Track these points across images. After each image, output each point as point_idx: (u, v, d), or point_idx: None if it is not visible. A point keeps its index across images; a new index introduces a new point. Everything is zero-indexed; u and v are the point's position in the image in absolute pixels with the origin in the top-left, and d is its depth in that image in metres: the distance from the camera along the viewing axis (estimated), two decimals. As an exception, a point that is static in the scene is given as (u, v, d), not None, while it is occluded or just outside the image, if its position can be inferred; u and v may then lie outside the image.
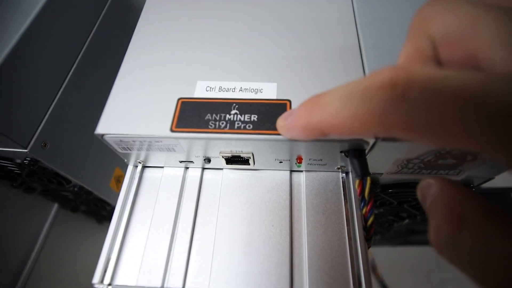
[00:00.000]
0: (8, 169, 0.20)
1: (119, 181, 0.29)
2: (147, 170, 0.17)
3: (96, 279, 0.14)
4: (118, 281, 0.14)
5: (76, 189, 0.23)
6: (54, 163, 0.20)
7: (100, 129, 0.14)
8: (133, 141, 0.14)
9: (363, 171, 0.13)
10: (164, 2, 0.19)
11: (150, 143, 0.14)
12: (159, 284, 0.14)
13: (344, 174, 0.16)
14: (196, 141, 0.14)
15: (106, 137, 0.14)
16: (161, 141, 0.14)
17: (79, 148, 0.23)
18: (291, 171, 0.16)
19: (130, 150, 0.15)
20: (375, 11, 0.17)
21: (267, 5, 0.18)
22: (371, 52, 0.15)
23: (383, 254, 0.37)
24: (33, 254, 0.28)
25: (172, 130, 0.13)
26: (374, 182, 0.18)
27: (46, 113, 0.19)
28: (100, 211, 0.32)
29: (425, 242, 0.37)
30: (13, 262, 0.26)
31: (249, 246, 0.14)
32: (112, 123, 0.14)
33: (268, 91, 0.14)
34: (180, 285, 0.14)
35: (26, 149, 0.18)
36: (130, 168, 0.17)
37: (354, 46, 0.16)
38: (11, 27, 0.18)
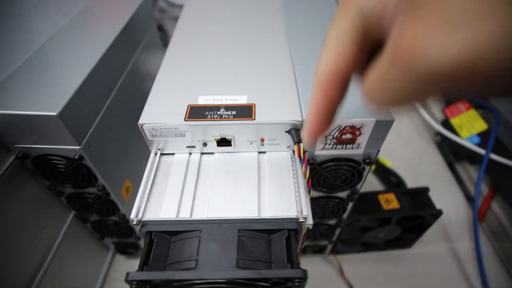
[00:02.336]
0: (55, 166, 0.28)
1: (128, 191, 0.36)
2: (163, 156, 0.25)
3: (132, 215, 0.21)
4: (146, 216, 0.21)
5: (99, 188, 0.31)
6: (93, 162, 0.28)
7: (141, 120, 0.23)
8: (161, 128, 0.23)
9: (298, 138, 0.23)
10: (183, 39, 0.30)
11: (170, 130, 0.23)
12: (174, 216, 0.21)
13: (291, 151, 0.25)
14: (198, 127, 0.23)
15: (144, 126, 0.23)
16: (178, 128, 0.23)
17: (109, 154, 0.31)
18: (259, 152, 0.26)
19: (156, 137, 0.24)
20: (302, 36, 0.29)
21: (239, 44, 0.30)
22: (299, 63, 0.27)
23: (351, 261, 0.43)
24: (48, 258, 0.33)
25: (185, 120, 0.23)
26: (309, 161, 0.27)
27: (94, 122, 0.28)
28: (107, 223, 0.38)
29: (380, 247, 0.44)
30: (31, 265, 0.31)
31: (234, 190, 0.22)
32: (149, 117, 0.23)
33: (242, 100, 0.24)
34: (188, 215, 0.21)
35: (80, 146, 0.26)
36: (152, 155, 0.25)
37: (289, 63, 0.27)
38: (89, 58, 0.28)
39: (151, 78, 0.27)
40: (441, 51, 0.08)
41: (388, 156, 0.57)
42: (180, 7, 0.70)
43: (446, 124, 0.58)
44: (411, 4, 0.09)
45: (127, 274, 0.19)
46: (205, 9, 0.37)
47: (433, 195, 0.48)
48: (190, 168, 0.24)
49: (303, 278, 0.19)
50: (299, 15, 0.35)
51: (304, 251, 0.44)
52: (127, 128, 0.34)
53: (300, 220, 0.21)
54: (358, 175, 0.28)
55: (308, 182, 0.23)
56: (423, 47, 0.08)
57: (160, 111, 0.24)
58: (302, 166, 0.23)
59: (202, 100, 0.25)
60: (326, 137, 0.24)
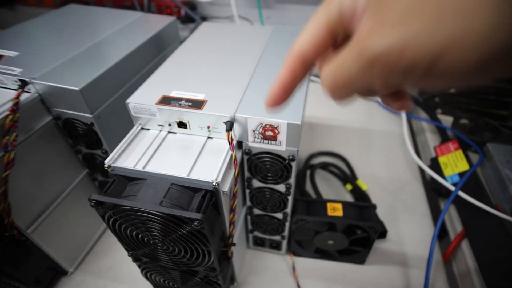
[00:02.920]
0: (76, 129, 0.40)
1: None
2: (142, 130, 0.35)
3: (106, 161, 0.31)
4: (115, 163, 0.31)
5: (103, 151, 0.42)
6: (100, 130, 0.39)
7: (129, 100, 0.33)
8: (140, 108, 0.33)
9: (228, 128, 0.31)
10: (181, 53, 0.41)
11: (145, 110, 0.33)
12: (132, 167, 0.30)
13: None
14: (163, 110, 0.32)
15: (130, 104, 0.33)
16: (150, 109, 0.33)
17: (113, 127, 0.42)
18: (208, 137, 0.34)
19: (137, 114, 0.34)
20: (269, 62, 0.37)
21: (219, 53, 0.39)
22: (256, 78, 0.35)
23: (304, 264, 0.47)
24: (59, 199, 0.44)
25: (155, 104, 0.32)
26: (245, 151, 0.34)
27: (107, 101, 0.39)
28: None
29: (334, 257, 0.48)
30: (40, 204, 0.42)
31: (178, 158, 0.31)
32: (134, 98, 0.33)
33: (200, 96, 0.33)
34: (141, 168, 0.30)
35: (92, 115, 0.37)
36: (134, 128, 0.35)
37: (248, 78, 0.36)
38: (116, 55, 0.40)
39: (148, 75, 0.38)
40: (380, 41, 0.11)
41: (370, 181, 0.60)
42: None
43: (435, 161, 0.60)
44: (374, 6, 0.12)
45: (91, 196, 0.28)
46: (207, 37, 0.48)
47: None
48: (156, 139, 0.34)
49: (200, 220, 0.26)
50: (277, 47, 0.44)
51: (262, 245, 0.49)
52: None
53: (213, 184, 0.28)
54: (286, 170, 0.34)
55: (234, 162, 0.31)
56: (372, 38, 0.12)
57: (143, 97, 0.34)
58: (230, 149, 0.31)
59: (173, 93, 0.34)
60: (253, 130, 0.32)
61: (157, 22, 0.52)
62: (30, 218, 0.39)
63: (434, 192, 0.58)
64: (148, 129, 0.35)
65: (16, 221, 0.36)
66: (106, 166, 0.31)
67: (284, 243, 0.48)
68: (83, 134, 0.40)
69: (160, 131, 0.35)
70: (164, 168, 0.30)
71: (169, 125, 0.34)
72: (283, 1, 0.88)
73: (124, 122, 0.43)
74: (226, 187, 0.29)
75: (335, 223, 0.42)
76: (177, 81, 0.37)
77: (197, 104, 0.32)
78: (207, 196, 0.29)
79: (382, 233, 0.50)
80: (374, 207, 0.43)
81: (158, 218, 0.27)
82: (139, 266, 0.38)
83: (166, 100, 0.33)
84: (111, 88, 0.40)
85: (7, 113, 0.33)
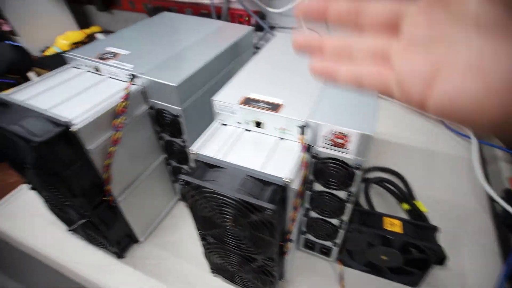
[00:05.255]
0: (164, 118, 0.46)
1: (199, 152, 0.52)
2: (222, 126, 0.40)
3: (192, 147, 0.36)
4: (199, 151, 0.36)
5: (183, 140, 0.48)
6: (184, 121, 0.45)
7: (214, 97, 0.38)
8: (223, 105, 0.38)
9: (302, 132, 0.33)
10: (262, 58, 0.45)
11: (228, 108, 0.38)
12: (213, 155, 0.35)
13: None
14: (244, 110, 0.37)
15: (214, 101, 0.38)
16: (233, 107, 0.37)
17: (194, 120, 0.48)
18: (280, 138, 0.37)
19: (219, 111, 0.39)
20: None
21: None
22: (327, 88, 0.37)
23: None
24: (139, 179, 0.51)
25: (238, 104, 0.37)
26: (313, 154, 0.36)
27: (192, 95, 0.45)
28: (181, 171, 0.55)
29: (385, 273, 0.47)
30: (128, 178, 0.49)
31: (253, 153, 0.35)
32: (219, 97, 0.38)
33: (277, 101, 0.37)
34: (221, 158, 0.35)
35: (180, 107, 0.43)
36: (214, 122, 0.40)
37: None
38: (204, 58, 0.46)
39: (231, 78, 0.43)
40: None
41: (429, 203, 0.58)
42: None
43: (509, 193, 0.55)
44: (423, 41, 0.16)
45: (180, 175, 0.33)
46: (282, 46, 0.52)
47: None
48: (233, 134, 0.38)
49: (273, 210, 0.29)
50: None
51: (312, 248, 0.51)
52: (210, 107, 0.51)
53: (285, 180, 0.31)
54: (350, 178, 0.36)
55: (303, 164, 0.34)
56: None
57: (227, 96, 0.39)
58: (301, 151, 0.34)
59: (253, 95, 0.38)
60: (324, 136, 0.34)
61: (237, 31, 0.58)
62: (120, 188, 0.46)
63: (506, 227, 0.54)
64: (227, 125, 0.40)
65: (112, 189, 0.43)
66: (192, 152, 0.36)
67: (335, 250, 0.48)
68: (169, 123, 0.46)
69: (237, 127, 0.39)
70: (241, 160, 0.34)
71: (247, 123, 0.38)
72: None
73: (201, 117, 0.48)
74: (295, 184, 0.32)
75: (392, 239, 0.42)
76: (256, 85, 0.41)
77: (274, 107, 0.36)
78: (278, 190, 0.32)
79: (441, 259, 0.48)
80: (435, 229, 0.42)
81: (234, 203, 0.31)
82: (203, 245, 0.43)
83: (247, 101, 0.37)
84: (196, 87, 0.46)
85: (120, 100, 0.40)
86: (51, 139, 0.33)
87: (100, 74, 0.46)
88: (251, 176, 0.33)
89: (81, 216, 0.45)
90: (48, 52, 1.01)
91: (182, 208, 0.62)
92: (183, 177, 0.33)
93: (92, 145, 0.38)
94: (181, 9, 1.12)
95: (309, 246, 0.51)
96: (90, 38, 1.13)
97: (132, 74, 0.43)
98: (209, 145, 0.37)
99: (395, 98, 0.17)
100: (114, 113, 0.40)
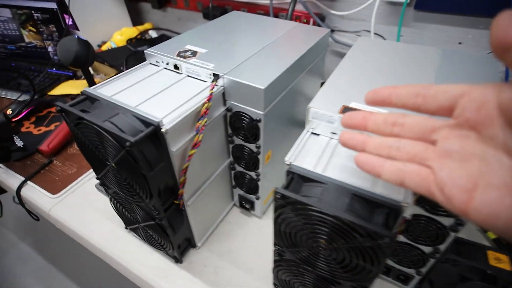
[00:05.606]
0: (241, 121, 0.44)
1: (268, 158, 0.49)
2: (312, 135, 0.37)
3: (287, 158, 0.33)
4: (294, 162, 0.33)
5: (257, 146, 0.45)
6: (262, 126, 0.42)
7: (311, 105, 0.35)
8: (320, 113, 0.34)
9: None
10: (351, 60, 0.42)
11: (326, 116, 0.34)
12: (311, 169, 0.32)
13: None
14: (346, 120, 0.33)
15: (311, 109, 0.35)
16: (332, 116, 0.34)
17: (272, 125, 0.45)
18: (382, 153, 0.33)
19: (314, 119, 0.35)
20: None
21: None
22: None
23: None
24: (207, 183, 0.49)
25: (338, 113, 0.33)
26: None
27: (274, 101, 0.42)
28: (244, 176, 0.52)
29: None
30: (197, 182, 0.47)
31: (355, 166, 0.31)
32: (315, 104, 0.35)
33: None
34: (321, 172, 0.31)
35: (263, 112, 0.40)
36: (305, 131, 0.37)
37: None
38: (287, 61, 0.43)
39: (311, 82, 0.39)
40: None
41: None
42: (342, 44, 0.84)
43: None
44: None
45: (275, 188, 0.30)
46: (367, 52, 0.48)
47: None
48: (328, 146, 0.35)
49: (391, 238, 0.25)
50: (452, 75, 0.41)
51: (388, 273, 0.46)
52: (287, 114, 0.48)
53: (402, 204, 0.27)
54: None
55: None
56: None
57: (323, 103, 0.35)
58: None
59: (353, 105, 0.35)
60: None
61: (313, 33, 0.55)
62: (190, 192, 0.44)
63: None
64: (318, 135, 0.36)
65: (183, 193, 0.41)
66: (286, 163, 0.33)
67: (415, 279, 0.44)
68: (246, 127, 0.44)
69: (331, 138, 0.36)
70: (344, 176, 0.31)
71: (341, 134, 0.34)
72: (423, 20, 0.83)
73: (277, 123, 0.45)
74: (410, 210, 0.28)
75: (499, 277, 0.36)
76: (353, 93, 0.37)
77: (382, 119, 0.32)
78: (391, 214, 0.28)
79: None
80: (552, 270, 0.36)
81: (342, 225, 0.28)
82: (275, 261, 0.39)
83: (347, 111, 0.34)
84: (278, 91, 0.43)
85: (205, 101, 0.38)
86: (143, 139, 0.32)
87: (178, 72, 0.45)
88: (357, 195, 0.29)
89: (150, 218, 0.43)
90: (105, 47, 1.03)
91: (238, 214, 0.59)
92: (279, 190, 0.30)
93: (175, 147, 0.36)
94: (236, 8, 1.11)
95: (384, 271, 0.46)
96: (142, 35, 1.14)
97: (215, 74, 0.41)
98: (303, 156, 0.33)
99: (437, 202, 0.19)
100: (198, 115, 0.38)
